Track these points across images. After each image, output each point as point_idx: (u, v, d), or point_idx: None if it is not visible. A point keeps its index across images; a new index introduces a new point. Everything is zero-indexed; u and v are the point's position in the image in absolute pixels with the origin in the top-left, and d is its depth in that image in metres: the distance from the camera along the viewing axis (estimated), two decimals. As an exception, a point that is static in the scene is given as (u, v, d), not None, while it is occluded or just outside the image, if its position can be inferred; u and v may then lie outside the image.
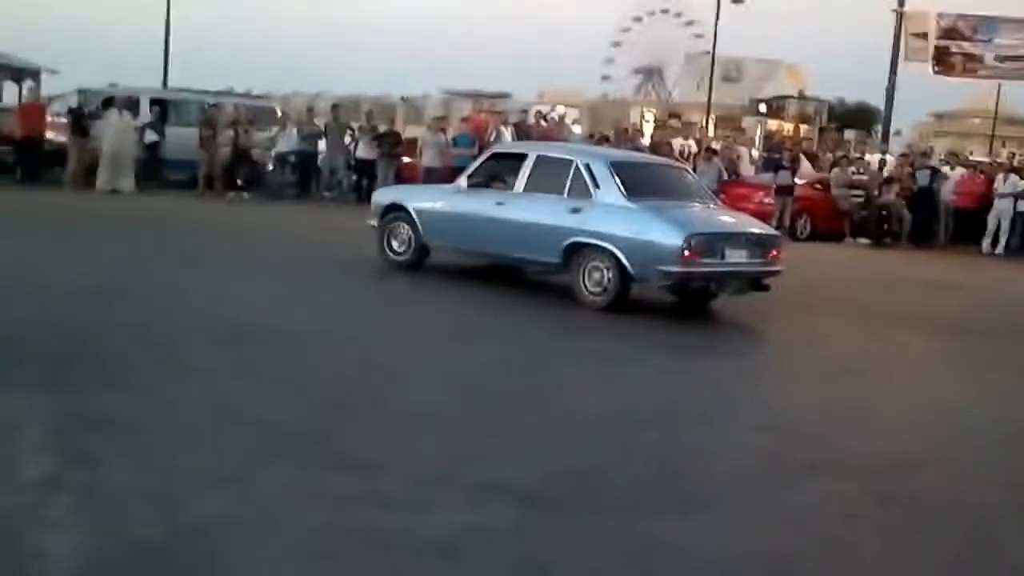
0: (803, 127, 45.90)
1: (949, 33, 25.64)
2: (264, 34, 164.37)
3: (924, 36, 25.80)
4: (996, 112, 56.02)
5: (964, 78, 27.28)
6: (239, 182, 20.39)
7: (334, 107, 23.53)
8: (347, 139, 21.08)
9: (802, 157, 22.90)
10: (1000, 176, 20.58)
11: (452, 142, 19.35)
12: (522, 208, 10.39)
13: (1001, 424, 6.98)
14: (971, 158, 26.80)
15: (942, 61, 25.91)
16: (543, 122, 21.83)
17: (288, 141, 20.52)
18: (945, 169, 21.35)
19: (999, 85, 36.36)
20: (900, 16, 25.87)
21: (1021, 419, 7.19)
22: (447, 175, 15.26)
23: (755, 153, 22.87)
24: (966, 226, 20.33)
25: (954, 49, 25.81)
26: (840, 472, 5.50)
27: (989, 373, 8.73)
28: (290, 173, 20.82)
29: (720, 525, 4.57)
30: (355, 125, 21.98)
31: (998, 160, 25.43)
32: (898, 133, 53.59)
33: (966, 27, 25.70)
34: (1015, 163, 23.74)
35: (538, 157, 10.73)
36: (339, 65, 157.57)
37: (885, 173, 21.25)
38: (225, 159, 19.93)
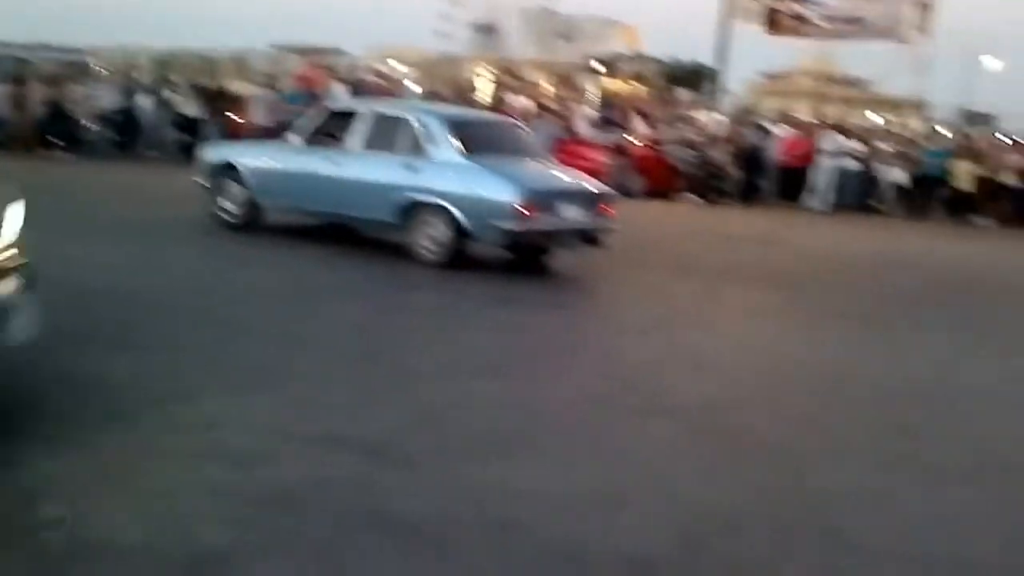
0: (638, 85, 46.80)
1: (779, -7, 26.45)
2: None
3: (754, -3, 26.55)
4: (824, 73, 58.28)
5: (792, 37, 28.17)
6: (57, 141, 19.44)
7: (156, 62, 22.74)
8: (171, 95, 20.35)
9: (636, 116, 23.39)
10: (823, 134, 21.45)
11: (285, 99, 18.97)
12: (357, 166, 10.34)
13: (818, 368, 7.44)
14: (798, 117, 27.77)
15: (773, 21, 26.70)
16: (377, 78, 21.63)
17: (108, 98, 19.68)
18: (773, 128, 22.12)
19: (826, 46, 37.66)
20: (733, -24, 26.58)
21: (837, 364, 7.63)
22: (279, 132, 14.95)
23: (589, 111, 23.14)
24: (792, 183, 21.14)
25: (783, 10, 26.60)
26: (666, 413, 5.80)
27: (809, 322, 9.24)
28: (111, 131, 20.00)
29: (555, 467, 4.76)
30: (179, 80, 21.25)
31: (824, 120, 26.46)
32: (731, 92, 55.32)
33: (796, -12, 26.54)
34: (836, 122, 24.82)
35: (374, 114, 10.67)
36: (161, 18, 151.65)
37: (717, 132, 21.84)
38: (38, 116, 18.96)
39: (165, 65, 23.15)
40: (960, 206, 20.90)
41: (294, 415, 5.13)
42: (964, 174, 20.83)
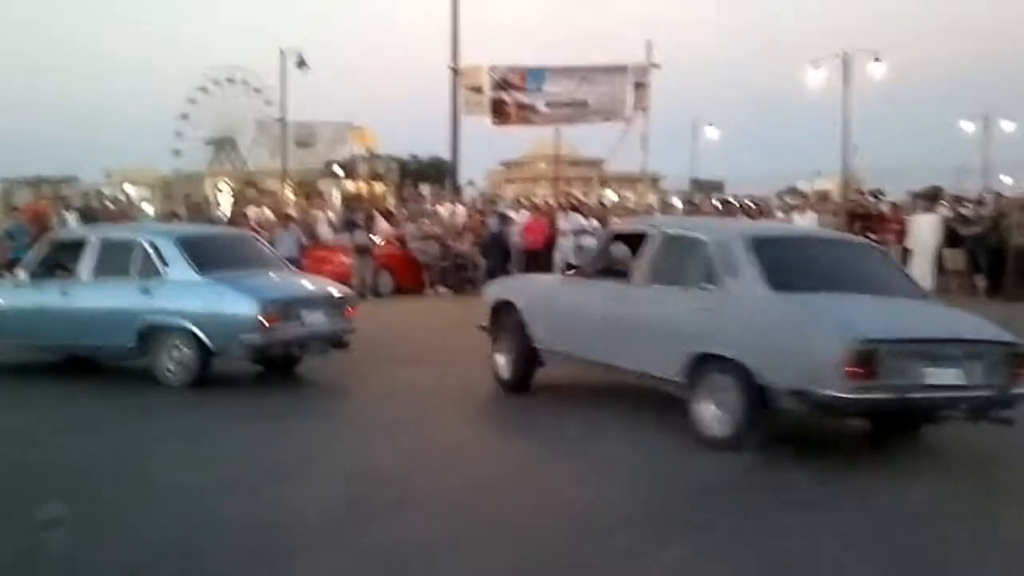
0: (378, 185, 47.41)
1: (501, 85, 27.39)
2: None
3: (479, 90, 27.39)
4: (558, 156, 60.86)
5: (521, 126, 29.19)
6: None
7: None
8: None
9: (377, 215, 23.67)
10: (561, 215, 22.36)
11: (7, 234, 18.08)
12: (89, 294, 10.09)
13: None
14: (536, 201, 28.77)
15: (499, 112, 27.54)
16: (110, 204, 21.04)
17: None
18: (512, 214, 22.84)
19: (556, 130, 39.15)
20: (455, 73, 27.44)
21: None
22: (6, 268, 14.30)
23: (332, 216, 23.24)
24: (536, 265, 21.79)
25: (508, 100, 27.58)
26: (416, 504, 6.00)
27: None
28: None
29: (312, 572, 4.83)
30: None
31: (559, 200, 27.54)
32: (471, 183, 56.78)
33: (516, 78, 27.49)
34: (575, 201, 25.90)
35: (102, 241, 10.43)
36: None
37: (459, 223, 22.36)
38: None
39: None
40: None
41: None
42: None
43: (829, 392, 6.49)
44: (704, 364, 7.26)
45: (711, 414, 7.23)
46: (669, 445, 7.38)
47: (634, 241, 8.65)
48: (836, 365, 6.42)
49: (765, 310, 7.11)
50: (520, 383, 9.40)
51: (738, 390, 7.00)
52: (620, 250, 8.99)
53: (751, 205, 25.71)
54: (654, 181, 46.94)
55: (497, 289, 10.29)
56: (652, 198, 30.43)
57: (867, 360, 6.42)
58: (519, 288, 10.14)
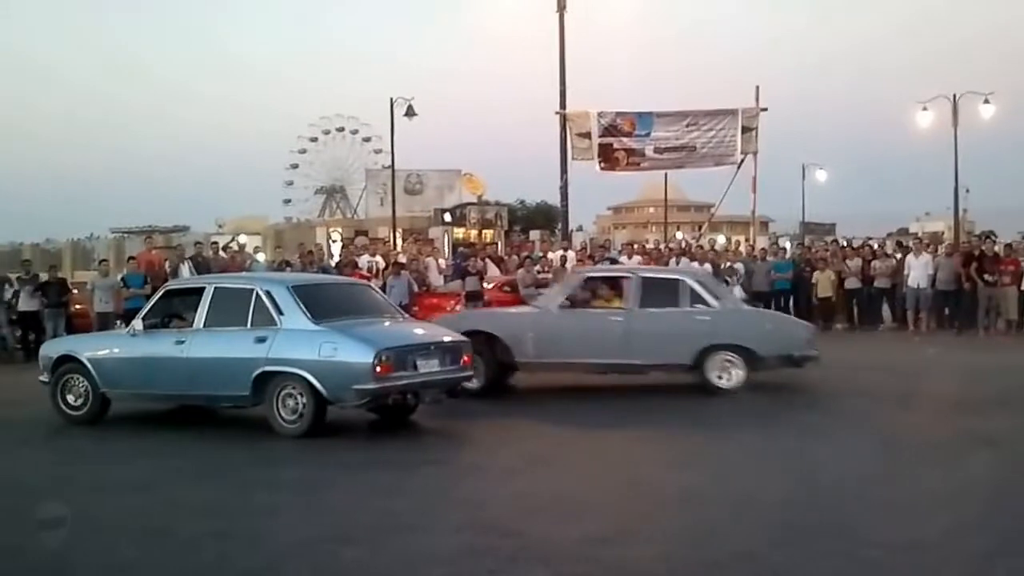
0: (487, 232, 47.55)
1: (609, 131, 27.25)
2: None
3: (587, 135, 27.30)
4: (666, 200, 60.65)
5: (628, 171, 28.96)
6: None
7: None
8: (7, 292, 19.54)
9: (488, 261, 23.60)
10: (672, 260, 22.00)
11: (123, 283, 18.43)
12: (204, 344, 10.02)
13: (684, 493, 7.36)
14: (647, 246, 28.44)
15: (606, 157, 27.39)
16: (222, 253, 21.29)
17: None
18: (623, 258, 22.54)
19: (665, 175, 38.75)
20: (563, 118, 27.38)
21: (701, 486, 7.58)
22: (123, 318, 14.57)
23: (443, 263, 23.24)
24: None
25: (616, 145, 27.39)
26: (538, 557, 5.75)
27: (671, 447, 9.31)
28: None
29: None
30: (14, 276, 20.48)
31: (669, 246, 27.15)
32: (580, 229, 56.70)
33: (624, 124, 27.36)
34: (684, 246, 25.49)
35: (216, 290, 10.40)
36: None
37: (568, 269, 22.10)
38: None
39: (0, 262, 22.26)
40: (820, 312, 21.59)
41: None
42: (824, 281, 21.57)
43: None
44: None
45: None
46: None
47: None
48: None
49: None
50: None
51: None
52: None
53: (869, 247, 25.03)
54: (764, 224, 46.28)
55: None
56: (760, 241, 29.81)
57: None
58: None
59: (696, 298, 12.45)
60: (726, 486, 7.54)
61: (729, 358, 12.10)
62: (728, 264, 22.66)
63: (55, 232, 79.86)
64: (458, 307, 19.73)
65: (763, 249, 24.78)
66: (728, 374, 12.08)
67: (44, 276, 20.07)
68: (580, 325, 11.90)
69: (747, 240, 28.27)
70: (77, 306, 19.70)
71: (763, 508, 6.87)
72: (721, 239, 43.48)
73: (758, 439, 9.49)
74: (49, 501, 7.41)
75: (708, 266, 21.87)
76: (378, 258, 22.43)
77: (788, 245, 31.89)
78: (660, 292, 12.56)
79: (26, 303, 19.07)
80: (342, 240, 41.43)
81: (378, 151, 69.89)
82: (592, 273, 14.72)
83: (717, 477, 7.87)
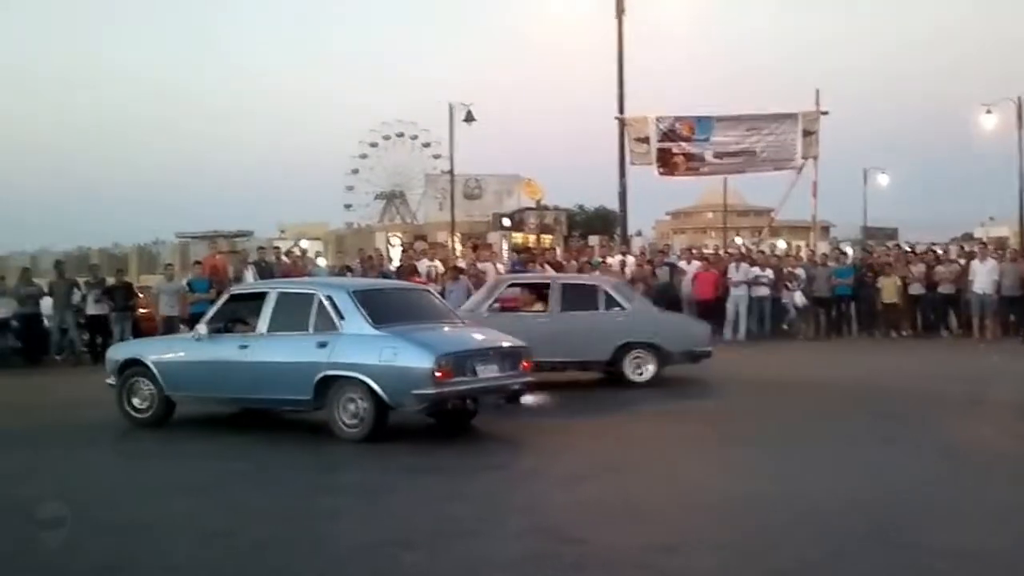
0: (546, 237, 47.58)
1: (668, 135, 26.99)
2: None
3: (646, 140, 27.09)
4: (725, 205, 60.15)
5: (688, 176, 28.70)
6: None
7: (57, 263, 22.39)
8: (76, 296, 19.95)
9: (547, 266, 23.56)
10: (732, 265, 21.84)
11: (188, 287, 18.73)
12: (267, 348, 10.13)
13: (749, 500, 7.28)
14: (705, 251, 28.21)
15: (665, 162, 27.12)
16: (284, 258, 21.54)
17: (3, 306, 19.23)
18: (682, 264, 22.42)
19: (724, 180, 38.40)
20: (621, 123, 27.23)
21: (767, 493, 7.48)
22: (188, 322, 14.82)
23: (501, 267, 23.23)
24: (708, 316, 21.31)
25: (675, 150, 27.11)
26: (601, 565, 5.73)
27: (737, 454, 9.13)
28: (12, 339, 19.48)
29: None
30: (82, 280, 20.90)
31: (728, 251, 26.94)
32: (639, 234, 56.53)
33: (684, 128, 27.05)
34: (744, 251, 25.23)
35: (279, 295, 10.52)
36: (66, 218, 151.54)
37: (627, 274, 22.02)
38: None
39: (68, 266, 22.75)
40: (883, 319, 21.28)
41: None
42: (890, 287, 21.28)
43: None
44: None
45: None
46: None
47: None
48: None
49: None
50: None
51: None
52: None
53: (933, 252, 24.63)
54: (825, 229, 45.69)
55: None
56: (821, 246, 29.42)
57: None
58: None
59: (611, 302, 13.98)
60: (791, 494, 7.44)
61: (641, 354, 13.55)
62: (789, 269, 22.45)
63: (122, 237, 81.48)
64: (516, 312, 19.77)
65: (824, 254, 24.47)
66: (641, 369, 13.59)
67: (111, 280, 20.46)
68: (508, 326, 11.49)
69: (807, 245, 27.85)
70: (143, 310, 20.08)
71: (828, 516, 6.79)
72: (781, 244, 42.94)
73: (826, 448, 9.39)
74: (113, 502, 7.58)
75: (770, 271, 21.69)
76: (437, 263, 22.52)
77: (850, 250, 31.41)
78: (579, 297, 14.19)
79: (93, 307, 19.44)
80: (402, 245, 41.71)
81: (437, 156, 70.40)
82: (516, 280, 15.75)
83: (783, 484, 7.77)
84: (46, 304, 19.62)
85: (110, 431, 10.79)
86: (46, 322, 19.74)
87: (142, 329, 18.86)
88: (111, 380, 11.16)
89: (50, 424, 11.61)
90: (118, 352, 11.71)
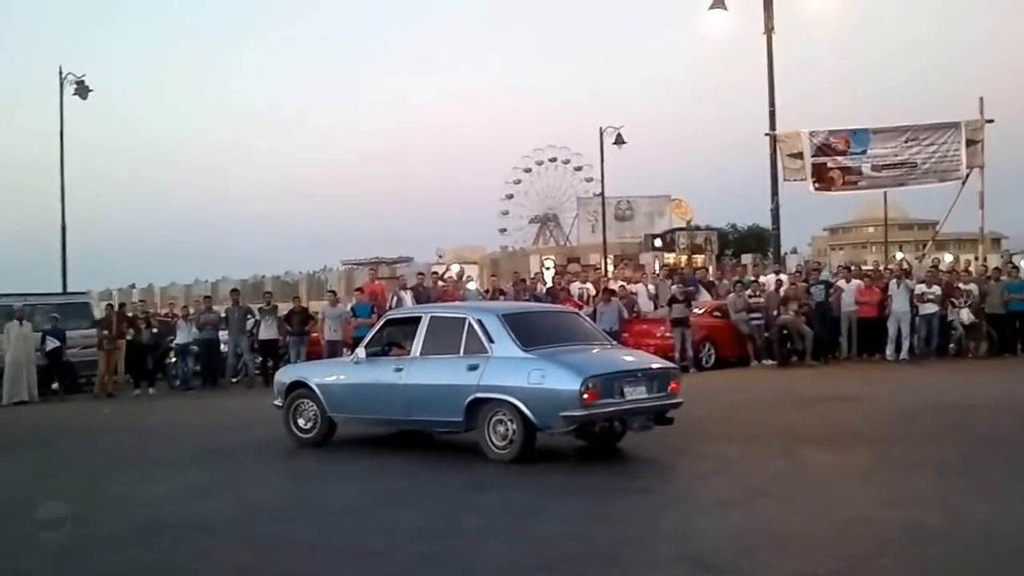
0: (697, 257, 47.17)
1: (823, 150, 26.42)
2: (158, 227, 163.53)
3: (799, 156, 26.59)
4: (886, 219, 58.26)
5: (845, 191, 28.00)
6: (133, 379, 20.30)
7: (233, 292, 23.61)
8: (249, 322, 21.02)
9: (700, 287, 23.39)
10: (893, 282, 21.13)
11: (352, 312, 19.45)
12: (421, 371, 10.47)
13: (910, 530, 7.05)
14: (864, 268, 27.44)
15: (821, 177, 26.52)
16: (440, 282, 22.10)
17: (185, 332, 20.45)
18: (840, 281, 21.82)
19: (884, 193, 37.18)
20: (773, 140, 26.85)
21: (930, 523, 7.23)
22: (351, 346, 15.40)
23: (652, 288, 23.20)
24: (871, 335, 20.79)
25: (830, 164, 26.51)
26: None
27: (896, 481, 8.86)
28: (192, 363, 20.68)
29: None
30: (255, 307, 21.97)
31: (889, 267, 26.12)
32: (794, 251, 55.46)
33: (839, 142, 26.44)
34: (904, 267, 24.40)
35: (431, 319, 10.87)
36: (242, 251, 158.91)
37: (781, 293, 21.65)
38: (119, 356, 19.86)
39: (243, 294, 24.06)
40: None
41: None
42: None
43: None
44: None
45: None
46: None
47: None
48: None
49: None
50: None
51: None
52: None
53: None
54: (995, 242, 43.81)
55: None
56: (992, 260, 28.28)
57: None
58: None
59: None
60: (955, 525, 7.13)
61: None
62: (959, 285, 21.58)
63: (293, 265, 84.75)
64: (668, 333, 19.76)
65: (996, 268, 23.42)
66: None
67: (283, 307, 21.46)
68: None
69: (976, 259, 26.76)
70: (312, 333, 20.96)
71: (994, 549, 6.51)
72: (948, 258, 41.39)
73: (993, 476, 8.92)
74: (287, 519, 7.99)
75: (937, 288, 20.89)
76: (588, 285, 22.68)
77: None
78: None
79: (266, 332, 20.43)
80: (555, 267, 42.07)
81: (589, 179, 70.71)
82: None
83: (945, 515, 7.41)
84: (223, 330, 20.79)
85: (278, 450, 11.37)
86: (223, 347, 20.88)
87: (309, 353, 19.69)
88: (278, 401, 11.74)
89: (227, 444, 12.30)
90: (285, 375, 12.26)
